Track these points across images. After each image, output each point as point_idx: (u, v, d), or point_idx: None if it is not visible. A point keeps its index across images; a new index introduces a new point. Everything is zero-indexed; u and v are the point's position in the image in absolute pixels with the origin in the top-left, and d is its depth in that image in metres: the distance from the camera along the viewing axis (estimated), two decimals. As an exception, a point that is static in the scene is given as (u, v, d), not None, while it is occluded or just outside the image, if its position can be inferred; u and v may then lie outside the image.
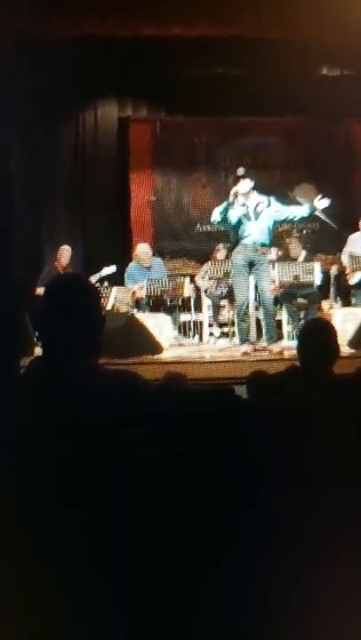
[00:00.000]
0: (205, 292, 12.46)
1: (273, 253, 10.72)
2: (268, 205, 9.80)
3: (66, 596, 2.10)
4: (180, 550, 2.20)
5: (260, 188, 10.07)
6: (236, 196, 9.64)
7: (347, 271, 11.55)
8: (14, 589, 2.11)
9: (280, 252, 11.87)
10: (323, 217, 12.52)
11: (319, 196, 9.93)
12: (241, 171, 9.87)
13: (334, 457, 2.51)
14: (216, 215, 9.81)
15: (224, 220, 9.77)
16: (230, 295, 11.00)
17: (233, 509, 2.26)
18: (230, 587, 2.19)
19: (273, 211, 9.83)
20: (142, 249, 12.24)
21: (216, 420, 2.51)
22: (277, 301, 11.22)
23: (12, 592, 2.11)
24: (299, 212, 10.12)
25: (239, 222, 9.69)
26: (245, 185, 9.70)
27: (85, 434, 2.20)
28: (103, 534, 2.13)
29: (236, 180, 9.83)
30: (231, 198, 9.66)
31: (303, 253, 12.13)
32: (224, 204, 9.71)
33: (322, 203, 9.87)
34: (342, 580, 2.27)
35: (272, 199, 9.90)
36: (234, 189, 9.71)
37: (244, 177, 9.76)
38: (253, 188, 9.79)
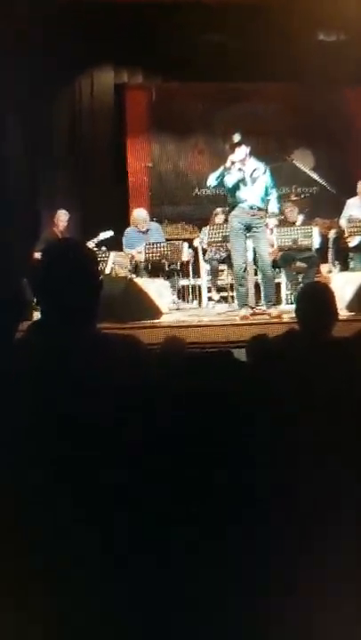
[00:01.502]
0: (204, 256, 12.43)
1: (273, 221, 10.69)
2: (264, 172, 9.79)
3: (58, 586, 2.10)
4: (185, 521, 2.20)
5: (256, 153, 10.04)
6: (232, 162, 9.62)
7: (345, 235, 11.54)
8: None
9: (282, 216, 11.84)
10: (321, 181, 12.51)
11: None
12: (237, 137, 9.84)
13: (334, 420, 2.51)
14: (212, 180, 9.83)
15: (220, 184, 9.79)
16: (229, 259, 10.98)
17: (234, 475, 2.26)
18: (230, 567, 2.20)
19: (267, 179, 9.83)
20: (139, 214, 12.22)
21: (216, 382, 2.51)
22: (276, 265, 11.21)
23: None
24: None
25: (236, 187, 9.68)
26: (241, 152, 9.69)
27: (84, 398, 2.19)
28: (104, 506, 2.13)
29: (233, 146, 9.80)
30: (228, 164, 9.66)
31: (301, 217, 12.13)
32: (220, 169, 9.72)
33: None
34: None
35: (268, 169, 9.88)
36: (230, 157, 9.69)
37: (239, 144, 9.73)
38: (250, 154, 9.76)
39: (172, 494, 2.18)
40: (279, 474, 2.29)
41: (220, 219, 12.20)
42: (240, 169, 9.66)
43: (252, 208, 9.71)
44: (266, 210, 9.97)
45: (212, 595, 2.14)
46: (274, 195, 10.01)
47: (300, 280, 11.43)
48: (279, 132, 14.90)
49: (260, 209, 9.80)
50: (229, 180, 9.65)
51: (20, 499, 2.12)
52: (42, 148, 13.75)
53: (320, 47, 13.77)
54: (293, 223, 11.86)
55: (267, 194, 9.87)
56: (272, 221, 10.58)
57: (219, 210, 12.38)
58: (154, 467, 2.16)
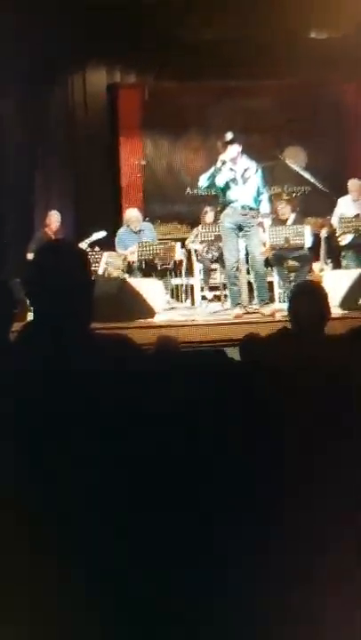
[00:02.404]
0: (197, 255, 12.43)
1: (267, 221, 10.72)
2: (256, 172, 9.80)
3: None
4: (181, 506, 2.21)
5: (248, 152, 10.04)
6: (223, 162, 9.63)
7: (337, 233, 11.56)
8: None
9: (273, 215, 11.84)
10: (312, 180, 12.52)
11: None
12: (229, 136, 9.84)
13: (327, 417, 2.52)
14: (203, 181, 9.87)
15: (211, 185, 9.81)
16: (221, 259, 10.99)
17: (229, 472, 2.27)
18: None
19: (259, 179, 9.84)
20: (132, 213, 12.22)
21: (209, 381, 2.51)
22: (268, 264, 11.22)
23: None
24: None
25: (227, 187, 9.69)
26: (233, 150, 9.69)
27: (78, 398, 2.20)
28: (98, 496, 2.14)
29: (225, 144, 9.79)
30: (219, 164, 9.66)
31: (293, 216, 12.13)
32: (211, 170, 9.74)
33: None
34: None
35: (260, 169, 9.89)
36: (221, 156, 9.69)
37: (231, 142, 9.73)
38: (242, 153, 9.77)
39: (163, 493, 2.19)
40: (272, 472, 2.30)
41: (209, 217, 12.19)
42: (231, 169, 9.67)
43: (243, 208, 9.72)
44: (258, 210, 9.98)
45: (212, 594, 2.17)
46: (265, 195, 10.03)
47: (292, 279, 11.43)
48: (272, 130, 14.85)
49: (251, 209, 9.81)
50: (220, 180, 9.66)
51: (11, 501, 2.13)
52: (34, 149, 13.74)
53: (313, 44, 13.78)
54: (285, 222, 11.85)
55: (259, 194, 9.87)
56: (267, 221, 10.60)
57: (208, 208, 12.37)
58: (149, 466, 2.17)
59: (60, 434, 2.14)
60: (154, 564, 2.13)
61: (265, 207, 10.07)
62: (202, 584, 2.16)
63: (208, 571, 2.17)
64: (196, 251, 12.40)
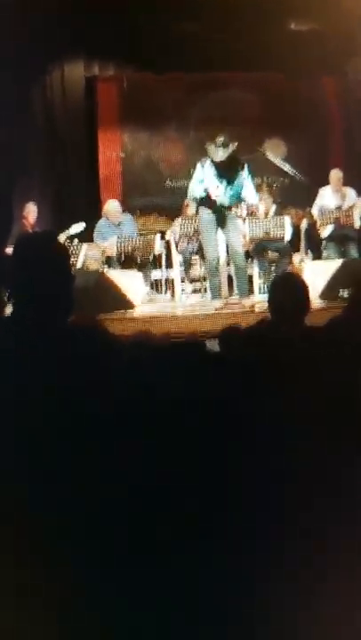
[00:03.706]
0: (177, 247, 12.41)
1: (243, 209, 10.70)
2: (242, 170, 9.78)
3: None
4: (160, 509, 2.20)
5: (229, 144, 10.03)
6: (211, 164, 9.64)
7: (318, 224, 11.55)
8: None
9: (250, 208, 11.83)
10: (292, 172, 12.53)
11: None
12: (220, 140, 9.78)
13: (308, 409, 2.52)
14: (195, 191, 9.87)
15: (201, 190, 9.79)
16: (201, 251, 10.99)
17: (210, 469, 2.26)
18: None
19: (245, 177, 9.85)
20: (112, 205, 12.16)
21: (189, 373, 2.51)
22: (248, 256, 11.21)
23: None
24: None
25: (208, 188, 9.70)
26: (223, 153, 9.66)
27: (56, 391, 2.19)
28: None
29: (216, 147, 9.76)
30: (207, 167, 9.69)
31: (273, 207, 12.11)
32: (198, 180, 9.72)
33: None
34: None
35: (246, 166, 9.89)
36: (210, 156, 9.66)
37: (223, 145, 9.68)
38: (230, 156, 9.76)
39: (142, 487, 2.19)
40: (254, 465, 2.29)
41: (191, 209, 12.14)
42: (218, 171, 9.66)
43: (223, 206, 9.74)
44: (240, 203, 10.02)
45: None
46: (252, 193, 10.03)
47: (272, 270, 11.44)
48: (251, 122, 14.84)
49: (229, 207, 9.84)
50: (207, 183, 9.68)
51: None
52: (12, 142, 13.66)
53: (293, 36, 13.77)
54: (266, 214, 11.84)
55: (239, 194, 9.88)
56: (244, 212, 10.60)
57: (188, 200, 12.33)
58: (130, 459, 2.17)
59: (39, 427, 2.14)
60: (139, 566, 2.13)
61: (253, 197, 10.06)
62: (201, 584, 2.17)
63: (205, 570, 2.19)
64: (176, 242, 12.38)
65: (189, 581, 2.16)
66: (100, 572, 2.11)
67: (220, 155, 9.61)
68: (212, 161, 9.64)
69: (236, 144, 9.81)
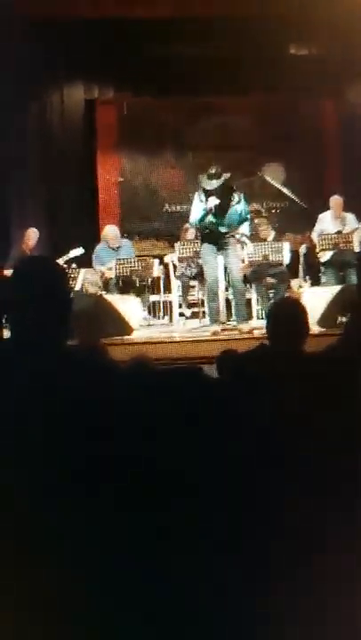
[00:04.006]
0: (175, 272, 12.42)
1: (242, 235, 10.73)
2: (239, 202, 9.83)
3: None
4: (153, 525, 2.19)
5: (227, 169, 10.08)
6: (211, 211, 9.66)
7: (316, 250, 11.55)
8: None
9: (250, 233, 11.84)
10: (292, 196, 12.54)
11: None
12: (213, 169, 9.84)
13: (306, 435, 2.51)
14: (195, 220, 9.91)
15: (203, 219, 9.81)
16: (200, 275, 11.01)
17: (207, 493, 2.26)
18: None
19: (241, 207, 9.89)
20: (110, 230, 12.19)
21: (186, 398, 2.50)
22: (247, 281, 11.21)
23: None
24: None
25: (209, 215, 9.73)
26: (216, 183, 9.71)
27: (55, 415, 2.18)
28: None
29: (210, 177, 9.80)
30: (203, 198, 9.72)
31: (272, 233, 12.11)
32: (198, 206, 9.77)
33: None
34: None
35: (242, 198, 9.92)
36: (207, 205, 9.68)
37: (216, 176, 9.73)
38: (222, 185, 9.80)
39: (138, 511, 2.18)
40: (250, 488, 2.29)
41: (190, 234, 12.14)
42: (214, 199, 9.68)
43: (224, 234, 9.78)
44: (237, 228, 10.05)
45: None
46: (246, 223, 10.10)
47: (271, 296, 11.44)
48: (251, 146, 14.89)
49: (230, 234, 9.88)
50: (204, 214, 9.72)
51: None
52: (10, 164, 13.68)
53: (292, 60, 13.83)
54: (265, 239, 11.85)
55: (240, 221, 9.92)
56: (242, 237, 10.63)
57: (188, 225, 12.34)
58: (126, 483, 2.16)
59: (36, 450, 2.14)
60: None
61: (245, 229, 10.13)
62: (200, 585, 2.18)
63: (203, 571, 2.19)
64: (174, 267, 12.39)
65: (190, 595, 2.16)
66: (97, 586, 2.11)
67: (214, 184, 9.66)
68: (208, 190, 9.68)
69: (229, 175, 9.89)
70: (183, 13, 12.31)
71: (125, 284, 11.62)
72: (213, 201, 9.61)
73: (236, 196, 9.85)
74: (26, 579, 2.09)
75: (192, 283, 12.25)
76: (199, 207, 9.77)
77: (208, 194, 9.69)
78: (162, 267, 12.52)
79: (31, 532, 2.10)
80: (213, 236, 9.82)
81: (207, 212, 9.66)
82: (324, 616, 2.25)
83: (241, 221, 9.98)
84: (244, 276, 10.85)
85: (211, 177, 9.74)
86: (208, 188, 9.70)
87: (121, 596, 2.12)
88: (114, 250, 11.89)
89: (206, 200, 9.67)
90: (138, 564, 2.15)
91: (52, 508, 2.12)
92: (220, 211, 9.71)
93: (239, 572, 2.23)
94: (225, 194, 9.77)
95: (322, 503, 2.38)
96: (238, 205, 9.82)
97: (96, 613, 2.11)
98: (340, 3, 11.62)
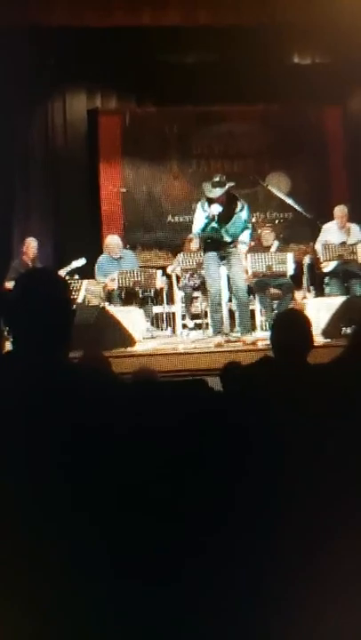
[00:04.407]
0: (178, 283, 12.41)
1: (245, 245, 10.71)
2: (242, 209, 9.82)
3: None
4: (155, 545, 2.17)
5: (231, 177, 10.12)
6: (213, 218, 9.65)
7: (321, 260, 11.52)
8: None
9: (252, 243, 11.82)
10: (296, 206, 12.52)
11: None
12: (216, 178, 9.86)
13: (310, 447, 2.49)
14: (198, 231, 9.91)
15: (205, 228, 9.80)
16: (203, 286, 10.99)
17: (210, 506, 2.24)
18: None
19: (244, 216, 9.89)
20: (113, 240, 12.19)
21: (189, 411, 2.48)
22: (250, 292, 11.20)
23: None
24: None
25: (211, 223, 9.71)
26: (220, 191, 9.71)
27: (58, 428, 2.16)
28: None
29: (213, 186, 9.80)
30: (206, 207, 9.72)
31: (276, 243, 12.10)
32: (201, 216, 9.76)
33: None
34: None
35: (245, 207, 9.92)
36: (210, 213, 9.67)
37: (219, 184, 9.73)
38: (228, 192, 9.80)
39: (142, 526, 2.16)
40: (254, 504, 2.27)
41: (195, 245, 12.11)
42: (217, 208, 9.68)
43: (226, 243, 9.76)
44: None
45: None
46: (248, 230, 10.08)
47: (274, 307, 11.42)
48: (254, 156, 14.90)
49: (233, 242, 9.86)
50: (207, 222, 9.72)
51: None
52: (12, 174, 13.70)
53: (296, 69, 13.87)
54: (268, 248, 11.84)
55: (242, 229, 9.91)
56: (243, 247, 10.61)
57: (192, 235, 12.31)
58: (129, 497, 2.14)
59: (39, 463, 2.12)
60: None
61: (245, 237, 10.11)
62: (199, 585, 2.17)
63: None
64: (177, 278, 12.38)
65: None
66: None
67: (217, 192, 9.65)
68: (211, 198, 9.68)
69: (233, 184, 9.90)
70: (187, 22, 12.32)
71: (128, 296, 11.61)
72: (217, 208, 9.60)
73: (239, 205, 9.85)
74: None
75: (195, 294, 12.23)
76: (202, 216, 9.76)
77: (211, 202, 9.68)
78: (165, 278, 12.49)
79: (32, 551, 2.08)
80: (216, 245, 9.80)
81: (210, 220, 9.64)
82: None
83: (243, 229, 9.96)
84: (248, 286, 10.83)
85: (215, 185, 9.74)
86: (211, 196, 9.71)
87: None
88: (116, 260, 11.88)
89: (209, 207, 9.66)
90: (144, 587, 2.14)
91: (50, 523, 2.10)
92: (224, 218, 9.70)
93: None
94: (228, 202, 9.77)
95: (330, 517, 2.36)
96: (242, 213, 9.82)
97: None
98: (346, 11, 11.62)
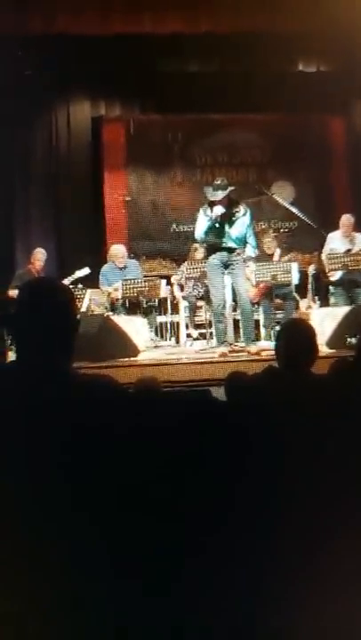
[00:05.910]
0: (182, 292, 12.40)
1: (249, 254, 10.70)
2: (244, 214, 9.79)
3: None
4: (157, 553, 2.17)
5: (235, 187, 10.10)
6: (216, 220, 9.62)
7: (326, 270, 11.49)
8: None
9: (256, 251, 11.80)
10: (300, 215, 12.51)
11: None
12: (218, 181, 9.86)
13: (314, 457, 2.49)
14: (200, 234, 9.87)
15: (207, 233, 9.77)
16: (207, 296, 10.97)
17: (212, 516, 2.23)
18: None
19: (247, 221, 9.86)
20: (117, 249, 12.19)
21: (193, 423, 2.47)
22: (255, 301, 11.18)
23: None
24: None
25: (214, 228, 9.68)
26: (222, 195, 9.69)
27: (60, 439, 2.17)
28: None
29: (215, 189, 9.78)
30: (208, 212, 9.69)
31: (278, 251, 12.08)
32: (204, 221, 9.73)
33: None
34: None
35: (248, 212, 9.90)
36: (213, 214, 9.65)
37: (222, 188, 9.71)
38: (228, 197, 9.78)
39: (146, 535, 2.17)
40: (257, 514, 2.27)
41: (199, 254, 12.08)
42: (220, 212, 9.65)
43: (230, 249, 9.73)
44: (243, 248, 9.99)
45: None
46: (251, 239, 10.04)
47: (279, 316, 11.40)
48: (259, 164, 14.93)
49: (237, 250, 9.82)
50: (210, 225, 9.69)
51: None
52: (16, 183, 13.71)
53: (300, 77, 13.87)
54: (271, 256, 11.82)
55: (246, 236, 9.88)
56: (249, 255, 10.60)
57: (197, 245, 12.27)
58: (133, 508, 2.15)
59: (40, 471, 2.13)
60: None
61: (249, 250, 10.08)
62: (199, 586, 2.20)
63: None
64: (181, 287, 12.37)
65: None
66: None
67: (219, 195, 9.64)
68: (213, 201, 9.66)
69: (234, 188, 9.89)
70: (191, 30, 12.33)
71: (132, 305, 11.60)
72: (219, 209, 9.59)
73: (242, 209, 9.82)
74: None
75: (199, 303, 12.21)
76: (204, 220, 9.74)
77: (213, 204, 9.67)
78: (169, 287, 12.48)
79: (32, 551, 2.08)
80: (219, 251, 9.76)
81: (213, 222, 9.62)
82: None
83: (246, 235, 9.92)
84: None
85: (216, 188, 9.73)
86: (213, 198, 9.69)
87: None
88: (120, 269, 11.87)
89: (211, 211, 9.65)
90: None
91: (53, 534, 2.10)
92: (226, 219, 9.67)
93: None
94: (230, 204, 9.76)
95: (336, 526, 2.36)
96: (245, 217, 9.79)
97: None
98: (349, 20, 11.64)
